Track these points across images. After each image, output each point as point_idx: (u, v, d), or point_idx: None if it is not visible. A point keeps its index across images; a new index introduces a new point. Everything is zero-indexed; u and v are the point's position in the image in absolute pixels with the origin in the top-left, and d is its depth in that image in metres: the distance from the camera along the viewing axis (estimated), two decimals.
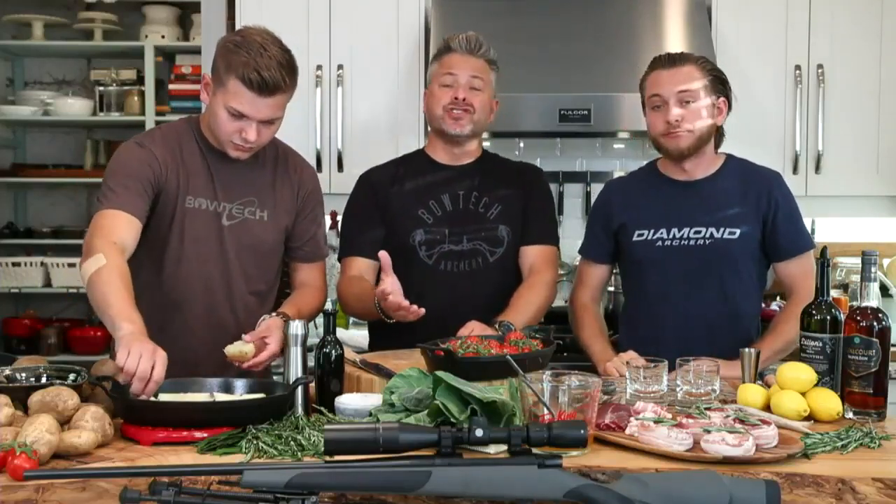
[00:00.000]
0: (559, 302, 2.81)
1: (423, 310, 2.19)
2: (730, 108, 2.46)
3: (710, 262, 2.42)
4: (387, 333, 2.56)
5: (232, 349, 2.02)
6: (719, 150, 2.53)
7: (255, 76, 2.09)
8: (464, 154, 2.59)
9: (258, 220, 2.31)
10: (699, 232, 2.42)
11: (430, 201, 2.54)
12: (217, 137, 2.24)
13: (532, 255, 2.55)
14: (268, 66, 2.10)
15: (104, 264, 1.97)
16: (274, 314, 2.17)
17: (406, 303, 2.18)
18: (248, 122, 2.15)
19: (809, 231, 2.67)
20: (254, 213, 2.31)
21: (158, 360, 1.78)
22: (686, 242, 2.43)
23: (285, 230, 2.37)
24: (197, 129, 2.31)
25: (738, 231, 2.41)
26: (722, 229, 2.41)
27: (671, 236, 2.44)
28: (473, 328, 2.23)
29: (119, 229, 2.10)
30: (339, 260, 2.62)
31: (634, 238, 2.48)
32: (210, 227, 2.27)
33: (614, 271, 2.72)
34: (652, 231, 2.46)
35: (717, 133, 2.48)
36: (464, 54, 2.53)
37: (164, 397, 1.83)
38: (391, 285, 2.18)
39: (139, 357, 1.76)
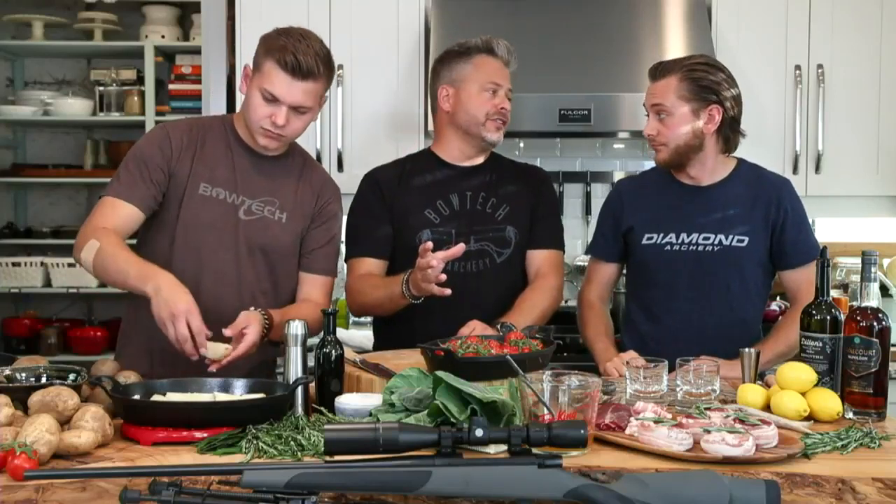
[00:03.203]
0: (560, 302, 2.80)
1: (448, 291, 2.20)
2: (733, 109, 2.41)
3: (717, 269, 2.41)
4: (390, 333, 2.56)
5: (212, 350, 2.02)
6: (731, 155, 2.51)
7: (291, 58, 2.17)
8: (474, 155, 2.58)
9: (277, 221, 2.33)
10: (708, 238, 2.42)
11: (438, 201, 2.53)
12: (249, 125, 2.28)
13: (538, 259, 2.55)
14: (305, 52, 2.18)
15: (100, 245, 2.10)
16: (253, 308, 2.16)
17: (435, 263, 2.14)
18: (279, 106, 2.20)
19: (815, 238, 2.65)
20: (273, 213, 2.33)
21: (190, 318, 1.96)
22: (695, 248, 2.42)
23: (301, 234, 2.38)
24: (229, 125, 2.36)
25: (746, 238, 2.40)
26: (731, 236, 2.41)
27: (680, 241, 2.44)
28: (475, 327, 2.23)
29: (111, 217, 2.20)
30: (346, 260, 2.60)
31: (643, 241, 2.48)
32: (226, 218, 2.29)
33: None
34: (661, 235, 2.46)
35: (728, 138, 2.42)
36: (503, 64, 2.55)
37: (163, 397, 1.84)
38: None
39: (173, 328, 1.95)
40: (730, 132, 2.43)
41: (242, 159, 2.32)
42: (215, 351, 2.01)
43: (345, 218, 2.58)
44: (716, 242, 2.42)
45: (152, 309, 1.99)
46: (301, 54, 2.17)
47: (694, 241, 2.43)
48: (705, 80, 2.37)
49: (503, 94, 2.51)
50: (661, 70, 2.40)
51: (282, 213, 2.34)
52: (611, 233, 2.57)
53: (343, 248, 2.61)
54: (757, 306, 2.50)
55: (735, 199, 2.44)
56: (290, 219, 2.35)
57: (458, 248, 2.18)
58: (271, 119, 2.21)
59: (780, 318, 2.51)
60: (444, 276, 2.17)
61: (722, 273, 2.42)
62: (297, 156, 2.40)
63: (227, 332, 2.06)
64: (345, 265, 2.63)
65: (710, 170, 2.45)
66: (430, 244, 2.17)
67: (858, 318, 1.93)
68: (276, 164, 2.35)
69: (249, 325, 2.08)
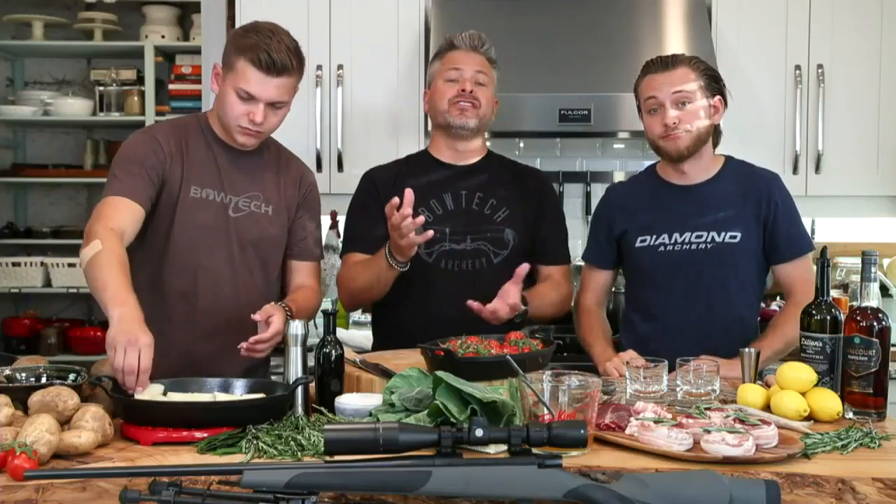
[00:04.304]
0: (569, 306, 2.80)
1: (430, 233, 2.23)
2: (725, 105, 2.46)
3: (712, 266, 2.41)
4: (389, 333, 2.56)
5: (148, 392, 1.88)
6: (718, 152, 2.53)
7: (265, 56, 2.17)
8: (468, 152, 2.58)
9: (263, 214, 2.35)
10: (701, 236, 2.42)
11: (431, 200, 2.54)
12: (225, 124, 2.27)
13: (549, 272, 2.58)
14: (277, 49, 2.18)
15: (100, 249, 2.00)
16: (274, 303, 2.19)
17: (409, 210, 2.17)
18: (256, 103, 2.20)
19: (809, 231, 2.67)
20: (259, 207, 2.35)
21: (143, 349, 1.79)
22: (688, 247, 2.43)
23: (287, 223, 2.40)
24: (205, 123, 2.35)
25: (738, 234, 2.41)
26: (723, 233, 2.41)
27: (673, 241, 2.44)
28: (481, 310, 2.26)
29: (118, 215, 2.14)
30: (341, 257, 2.62)
31: (637, 244, 2.48)
32: (218, 217, 2.30)
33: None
34: (654, 237, 2.46)
35: (715, 132, 2.48)
36: (467, 51, 2.54)
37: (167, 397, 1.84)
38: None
39: (123, 353, 1.77)
40: (720, 128, 2.49)
41: (223, 157, 2.33)
42: (151, 392, 1.88)
43: (340, 216, 2.59)
44: (708, 240, 2.42)
45: (108, 331, 1.84)
46: (274, 51, 2.17)
47: (687, 241, 2.43)
48: (712, 72, 2.43)
49: (468, 76, 2.50)
50: (672, 61, 2.41)
51: (267, 207, 2.35)
52: (605, 239, 2.58)
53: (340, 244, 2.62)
54: (753, 303, 2.50)
55: (725, 196, 2.44)
56: (275, 210, 2.37)
57: (427, 234, 2.22)
58: (249, 117, 2.21)
59: (776, 315, 2.51)
60: (420, 219, 2.19)
61: (717, 270, 2.42)
62: (271, 147, 2.42)
63: (255, 316, 2.08)
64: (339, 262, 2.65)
65: (704, 165, 2.46)
66: (396, 200, 2.19)
67: (858, 318, 1.93)
68: (254, 158, 2.36)
69: (275, 313, 2.10)
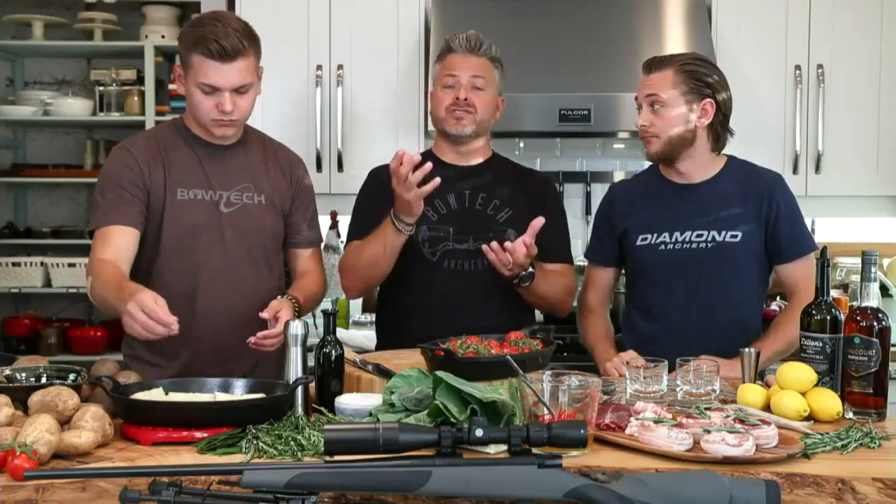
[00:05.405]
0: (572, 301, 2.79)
1: (437, 180, 2.24)
2: (724, 108, 2.42)
3: (712, 265, 2.41)
4: (392, 332, 2.56)
5: None
6: (722, 152, 2.52)
7: (215, 45, 2.18)
8: (471, 154, 2.58)
9: (257, 205, 2.37)
10: (701, 235, 2.42)
11: (436, 199, 2.53)
12: (199, 120, 2.30)
13: (553, 268, 2.56)
14: (225, 35, 2.19)
15: (95, 279, 2.14)
16: (281, 297, 2.24)
17: (414, 157, 2.20)
18: (221, 93, 2.22)
19: (810, 231, 2.67)
20: (252, 198, 2.36)
21: (158, 302, 1.91)
22: (689, 246, 2.42)
23: (282, 211, 2.41)
24: (182, 126, 2.37)
25: (739, 234, 2.40)
26: (724, 232, 2.41)
27: (673, 240, 2.44)
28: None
29: (108, 246, 2.21)
30: (345, 247, 2.62)
31: (638, 243, 2.48)
32: (209, 216, 2.31)
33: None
34: (654, 235, 2.46)
35: (714, 133, 2.44)
36: (464, 54, 2.52)
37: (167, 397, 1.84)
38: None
39: (139, 311, 1.89)
40: (720, 130, 2.44)
41: (206, 155, 2.34)
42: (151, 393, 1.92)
43: (340, 216, 2.59)
44: (709, 239, 2.42)
45: (125, 309, 1.94)
46: (222, 38, 2.18)
47: (688, 240, 2.43)
48: (701, 74, 2.39)
49: (464, 82, 2.48)
50: (657, 63, 2.41)
51: (259, 196, 2.37)
52: (607, 238, 2.58)
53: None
54: (755, 303, 2.50)
55: (726, 196, 2.44)
56: (268, 199, 2.38)
57: (435, 181, 2.23)
58: (218, 109, 2.23)
59: (778, 315, 2.50)
60: (429, 166, 2.20)
61: (717, 270, 2.42)
62: (253, 137, 2.43)
63: (263, 314, 2.12)
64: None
65: (701, 166, 2.45)
66: (401, 151, 2.21)
67: (858, 318, 1.93)
68: (239, 150, 2.37)
69: (283, 307, 2.15)
